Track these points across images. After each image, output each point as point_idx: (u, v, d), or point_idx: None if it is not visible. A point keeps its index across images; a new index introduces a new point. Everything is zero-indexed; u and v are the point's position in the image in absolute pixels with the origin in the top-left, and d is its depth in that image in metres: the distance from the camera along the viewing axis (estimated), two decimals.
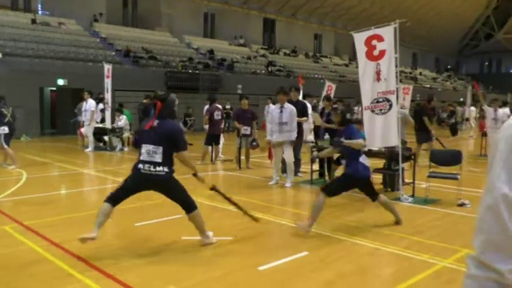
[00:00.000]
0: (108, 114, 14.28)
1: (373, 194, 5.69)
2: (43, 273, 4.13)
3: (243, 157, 10.77)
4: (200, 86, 23.72)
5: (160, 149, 4.54)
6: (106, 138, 14.69)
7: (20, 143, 15.79)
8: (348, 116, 5.91)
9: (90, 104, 14.08)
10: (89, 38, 24.13)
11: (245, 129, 10.61)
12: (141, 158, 4.61)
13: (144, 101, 13.61)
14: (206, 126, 11.70)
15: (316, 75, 31.76)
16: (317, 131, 9.71)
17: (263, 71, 29.04)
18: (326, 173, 9.13)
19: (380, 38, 7.39)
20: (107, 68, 14.27)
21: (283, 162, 8.85)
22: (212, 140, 11.46)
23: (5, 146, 10.10)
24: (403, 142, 8.02)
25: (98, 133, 14.56)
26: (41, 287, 3.86)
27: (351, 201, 6.84)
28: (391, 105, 7.35)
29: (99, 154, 13.59)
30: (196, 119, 22.30)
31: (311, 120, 10.60)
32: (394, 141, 7.37)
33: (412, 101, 17.36)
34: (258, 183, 8.97)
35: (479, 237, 1.07)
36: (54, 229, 5.45)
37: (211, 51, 28.45)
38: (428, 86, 42.90)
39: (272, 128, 8.68)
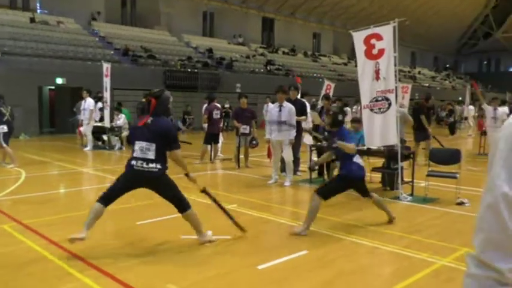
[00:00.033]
0: (107, 113, 14.26)
1: (366, 192, 5.69)
2: (42, 272, 4.12)
3: (242, 156, 10.77)
4: (199, 85, 23.72)
5: (153, 146, 4.53)
6: (105, 137, 14.67)
7: (18, 141, 15.77)
8: (340, 117, 5.85)
9: (88, 103, 14.06)
10: (87, 36, 24.10)
11: (244, 128, 10.60)
12: (134, 154, 4.61)
13: (143, 99, 13.59)
14: (205, 125, 11.70)
15: (315, 74, 31.77)
16: (316, 130, 9.71)
17: (262, 70, 29.03)
18: (325, 172, 9.14)
19: (379, 37, 7.39)
20: (106, 66, 14.25)
21: (282, 161, 8.85)
22: (211, 139, 11.46)
23: (4, 145, 10.09)
24: (402, 141, 8.02)
25: (97, 132, 14.55)
26: (39, 285, 3.86)
27: (349, 200, 6.84)
28: (390, 104, 7.36)
29: (98, 153, 13.57)
30: (195, 118, 22.32)
31: (310, 119, 10.60)
32: (393, 140, 7.37)
33: (411, 99, 17.36)
34: (257, 182, 8.97)
35: (479, 236, 1.07)
36: (53, 228, 5.44)
37: (210, 50, 28.43)
38: (427, 85, 42.92)
39: (271, 127, 8.68)
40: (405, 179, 7.86)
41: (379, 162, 8.85)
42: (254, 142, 10.70)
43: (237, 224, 5.21)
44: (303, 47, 38.15)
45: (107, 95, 14.30)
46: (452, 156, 7.55)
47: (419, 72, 47.76)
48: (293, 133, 8.53)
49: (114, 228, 5.77)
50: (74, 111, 16.78)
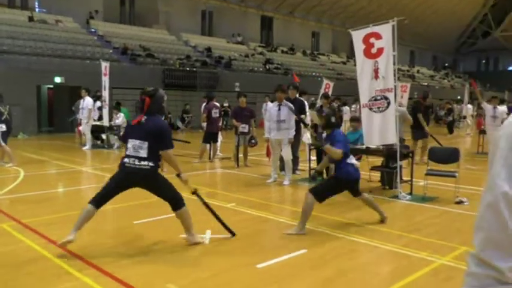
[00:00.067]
0: (105, 112, 14.25)
1: (358, 193, 5.68)
2: (41, 271, 4.12)
3: (241, 155, 10.77)
4: (198, 84, 23.71)
5: (145, 144, 4.51)
6: (104, 136, 14.66)
7: (17, 140, 15.75)
8: (333, 119, 5.79)
9: (87, 102, 14.05)
10: (86, 35, 24.07)
11: (243, 127, 10.60)
12: (127, 152, 4.60)
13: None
14: (204, 124, 11.69)
15: (313, 73, 31.77)
16: (315, 129, 9.70)
17: (261, 69, 29.03)
18: (324, 171, 9.13)
19: (378, 36, 7.39)
20: (104, 65, 14.24)
21: (282, 160, 8.85)
22: (210, 138, 11.46)
23: (3, 144, 10.08)
24: (401, 140, 8.02)
25: (96, 131, 14.54)
26: (39, 285, 3.86)
27: (348, 199, 6.83)
28: (389, 103, 7.36)
29: (96, 152, 13.57)
30: (194, 117, 22.31)
31: (309, 118, 10.59)
32: (392, 139, 7.38)
33: (409, 98, 17.39)
34: (256, 181, 8.97)
35: (479, 235, 1.07)
36: (52, 227, 5.44)
37: (208, 49, 28.42)
38: (426, 83, 42.97)
39: (270, 126, 8.68)
40: (404, 178, 7.87)
41: (378, 161, 8.86)
42: (253, 141, 10.71)
43: (227, 227, 5.18)
44: (302, 46, 38.15)
45: (105, 94, 14.29)
46: (451, 155, 7.55)
47: (418, 71, 47.80)
48: (292, 132, 8.53)
49: (112, 227, 5.77)
50: (72, 110, 16.77)
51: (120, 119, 14.49)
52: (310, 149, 9.29)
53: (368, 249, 4.91)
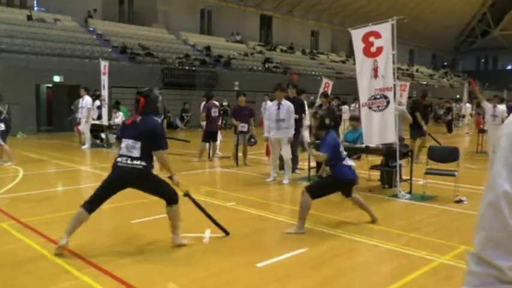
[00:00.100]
0: (104, 111, 14.24)
1: (350, 194, 5.68)
2: (41, 270, 4.12)
3: (240, 154, 10.76)
4: (197, 83, 23.69)
5: (138, 144, 4.49)
6: (103, 135, 14.65)
7: (16, 140, 15.73)
8: (327, 121, 5.77)
9: (86, 101, 14.04)
10: (85, 34, 24.04)
11: (242, 126, 10.60)
12: (120, 152, 4.59)
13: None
14: (203, 123, 11.69)
15: (313, 72, 31.76)
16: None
17: (260, 68, 29.02)
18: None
19: (377, 35, 7.39)
20: (104, 64, 14.22)
21: (281, 159, 8.85)
22: (209, 137, 11.45)
23: (2, 143, 10.07)
24: (401, 139, 8.02)
25: (95, 130, 14.52)
26: (38, 284, 3.86)
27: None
28: (388, 102, 7.36)
29: (96, 151, 13.56)
30: (194, 116, 22.29)
31: (308, 117, 10.60)
32: (392, 138, 7.38)
33: (409, 97, 17.41)
34: (255, 180, 8.97)
35: (479, 234, 1.07)
36: (52, 226, 5.43)
37: (208, 48, 28.39)
38: (425, 82, 42.98)
39: (269, 125, 8.68)
40: (404, 177, 7.87)
41: (377, 160, 8.86)
42: (253, 140, 10.70)
43: (221, 226, 5.17)
44: (301, 45, 38.13)
45: (104, 93, 14.28)
46: (450, 154, 7.56)
47: (417, 70, 47.80)
48: (291, 131, 8.53)
49: (110, 226, 5.76)
50: (71, 109, 16.74)
51: (119, 118, 14.47)
52: (309, 147, 9.27)
53: (367, 248, 4.91)
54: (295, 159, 9.36)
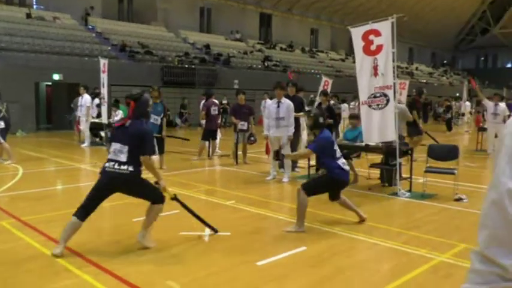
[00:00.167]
0: (104, 109, 14.23)
1: (339, 196, 5.67)
2: (41, 268, 4.12)
3: (240, 152, 10.76)
4: (196, 81, 23.68)
5: (125, 149, 4.46)
6: (102, 133, 14.64)
7: (15, 138, 15.71)
8: (321, 119, 5.73)
9: (85, 99, 14.04)
10: (84, 32, 24.01)
11: (242, 125, 10.59)
12: (109, 156, 4.57)
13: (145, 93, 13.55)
14: (203, 122, 11.68)
15: (312, 70, 31.75)
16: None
17: (259, 66, 29.00)
18: None
19: (377, 33, 7.39)
20: (103, 62, 14.19)
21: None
22: (209, 135, 11.45)
23: (2, 141, 10.06)
24: (401, 137, 8.02)
25: (94, 128, 14.51)
26: (38, 282, 3.85)
27: (347, 197, 6.84)
28: (388, 100, 7.36)
29: (95, 149, 13.55)
30: (194, 115, 22.28)
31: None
32: (392, 136, 7.38)
33: (408, 96, 17.37)
34: (255, 179, 8.97)
35: (483, 232, 1.07)
36: (52, 224, 5.43)
37: (207, 46, 28.37)
38: (425, 81, 42.97)
39: (269, 123, 8.68)
40: (403, 175, 7.87)
41: (377, 158, 8.86)
42: (252, 138, 10.69)
43: (209, 225, 5.16)
44: (301, 43, 38.10)
45: (104, 91, 14.26)
46: (450, 153, 7.56)
47: (416, 68, 47.79)
48: (291, 129, 8.53)
49: (111, 225, 5.76)
50: (71, 108, 16.74)
51: (119, 116, 14.45)
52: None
53: (367, 247, 4.91)
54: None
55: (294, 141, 9.05)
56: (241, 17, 34.46)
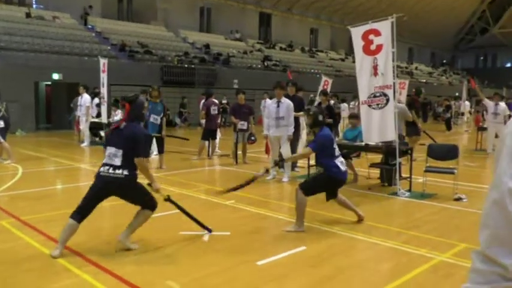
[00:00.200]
0: (104, 108, 14.22)
1: (336, 194, 5.66)
2: (40, 268, 4.11)
3: (239, 152, 10.76)
4: (196, 81, 23.68)
5: (120, 152, 4.44)
6: (102, 133, 14.63)
7: (15, 137, 15.70)
8: (320, 117, 5.69)
9: (85, 99, 14.04)
10: (84, 32, 24.00)
11: (242, 124, 10.58)
12: (104, 161, 4.56)
13: (141, 95, 13.57)
14: (203, 121, 11.68)
15: (312, 70, 31.76)
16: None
17: (259, 66, 29.00)
18: None
19: (377, 33, 7.39)
20: (103, 62, 14.18)
21: (280, 157, 8.83)
22: (209, 135, 11.45)
23: (2, 140, 10.06)
24: (401, 137, 8.02)
25: (94, 128, 14.51)
26: (38, 282, 3.85)
27: (347, 197, 6.84)
28: (388, 100, 7.36)
29: (95, 149, 13.52)
30: (193, 114, 22.27)
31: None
32: (391, 135, 7.38)
33: (408, 95, 17.38)
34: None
35: (484, 232, 1.07)
36: (51, 224, 5.42)
37: (207, 46, 28.36)
38: (424, 80, 42.98)
39: (269, 123, 8.68)
40: (403, 175, 7.87)
41: (377, 158, 8.86)
42: (253, 138, 10.68)
43: (203, 225, 5.16)
44: (300, 43, 38.10)
45: (103, 90, 14.25)
46: (449, 152, 7.56)
47: (416, 68, 47.82)
48: (291, 129, 8.52)
49: (110, 224, 5.76)
50: (71, 107, 16.73)
51: (119, 116, 14.44)
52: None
53: (367, 246, 4.91)
54: None
55: (294, 141, 9.05)
56: (241, 16, 34.46)
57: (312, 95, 17.17)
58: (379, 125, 7.45)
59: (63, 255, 4.36)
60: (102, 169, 4.52)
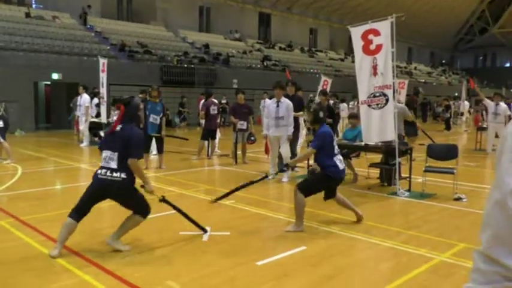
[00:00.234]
0: (103, 108, 14.22)
1: (335, 193, 5.66)
2: (40, 268, 4.11)
3: (239, 152, 10.76)
4: (195, 81, 23.68)
5: (115, 155, 4.43)
6: (101, 133, 14.62)
7: (14, 137, 15.69)
8: (321, 114, 5.67)
9: (84, 99, 14.03)
10: (83, 32, 23.99)
11: (241, 124, 10.58)
12: (101, 164, 4.56)
13: (140, 95, 13.56)
14: (202, 121, 11.67)
15: (311, 70, 31.76)
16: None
17: (259, 66, 29.00)
18: None
19: (377, 32, 7.39)
20: (102, 62, 14.18)
21: (280, 157, 8.84)
22: (208, 134, 11.44)
23: (2, 140, 10.06)
24: (400, 137, 8.02)
25: (93, 128, 14.50)
26: (38, 282, 3.85)
27: (346, 196, 6.83)
28: (387, 100, 7.36)
29: (94, 149, 13.48)
30: (193, 114, 22.27)
31: (306, 115, 10.58)
32: (391, 135, 7.37)
33: (407, 95, 17.41)
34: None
35: (486, 232, 1.07)
36: (51, 224, 5.41)
37: (206, 46, 28.36)
38: (423, 80, 43.00)
39: (269, 123, 8.67)
40: (403, 175, 7.87)
41: (376, 158, 8.87)
42: (252, 138, 10.68)
43: (199, 225, 5.16)
44: (300, 43, 38.11)
45: (103, 90, 14.25)
46: (449, 152, 7.57)
47: (415, 68, 47.83)
48: (291, 129, 8.52)
49: (110, 225, 5.73)
50: (70, 107, 16.73)
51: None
52: (308, 146, 9.27)
53: (367, 246, 4.91)
54: (294, 157, 9.35)
55: (293, 141, 9.05)
56: (240, 16, 34.47)
57: (311, 95, 17.18)
58: (379, 125, 7.45)
59: (63, 255, 4.36)
60: (99, 171, 4.51)
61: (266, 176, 6.77)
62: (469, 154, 12.88)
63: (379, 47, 7.35)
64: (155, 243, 4.85)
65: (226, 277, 3.97)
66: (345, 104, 20.09)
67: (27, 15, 22.74)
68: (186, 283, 3.84)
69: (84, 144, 13.91)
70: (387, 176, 8.05)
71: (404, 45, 49.09)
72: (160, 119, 9.85)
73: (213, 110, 11.48)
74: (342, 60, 38.53)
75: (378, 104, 7.44)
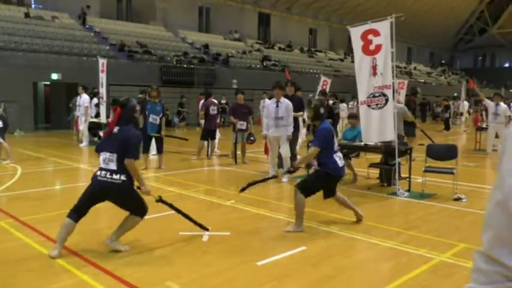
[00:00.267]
0: (103, 109, 14.21)
1: (334, 192, 5.65)
2: (40, 268, 4.10)
3: (239, 152, 10.75)
4: (195, 81, 23.69)
5: (114, 157, 4.43)
6: (101, 133, 14.61)
7: (14, 137, 15.67)
8: (322, 110, 5.65)
9: (84, 99, 14.03)
10: (83, 32, 23.98)
11: (241, 124, 10.58)
12: (100, 165, 4.55)
13: (140, 95, 13.56)
14: (202, 121, 11.67)
15: (311, 70, 31.76)
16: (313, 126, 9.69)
17: (258, 66, 29.00)
18: None
19: (376, 33, 7.39)
20: (102, 62, 14.17)
21: (280, 157, 8.84)
22: (208, 135, 11.44)
23: (1, 141, 10.05)
24: (400, 137, 8.02)
25: (93, 128, 14.50)
26: (37, 282, 3.84)
27: (347, 197, 6.83)
28: (387, 100, 7.36)
29: (93, 149, 13.51)
30: (192, 114, 22.27)
31: (306, 115, 10.59)
32: (391, 136, 7.37)
33: (406, 95, 17.41)
34: (254, 178, 8.93)
35: (488, 233, 1.07)
36: (51, 224, 5.40)
37: (206, 46, 28.36)
38: (423, 80, 43.01)
39: (268, 123, 8.67)
40: (402, 175, 7.87)
41: (376, 158, 8.87)
42: (252, 138, 10.68)
43: (200, 224, 5.16)
44: (299, 43, 38.12)
45: (102, 90, 14.24)
46: (448, 152, 7.57)
47: (415, 68, 47.85)
48: (290, 129, 8.52)
49: (110, 225, 5.72)
50: (70, 107, 16.73)
51: None
52: (308, 146, 9.27)
53: (366, 246, 4.91)
54: (294, 157, 9.34)
55: (293, 141, 9.05)
56: (239, 16, 34.47)
57: (311, 95, 17.16)
58: (379, 125, 7.45)
59: (62, 256, 4.36)
60: (99, 173, 4.51)
61: (275, 176, 7.35)
62: (468, 154, 12.89)
63: (378, 47, 7.36)
64: (155, 243, 4.85)
65: (226, 277, 3.97)
66: (344, 104, 20.08)
67: (27, 15, 22.73)
68: (186, 283, 3.84)
69: (84, 144, 13.91)
70: (387, 176, 8.05)
71: (403, 45, 49.11)
72: (160, 119, 9.84)
73: (213, 110, 11.47)
74: (342, 60, 38.53)
75: (377, 104, 7.44)
